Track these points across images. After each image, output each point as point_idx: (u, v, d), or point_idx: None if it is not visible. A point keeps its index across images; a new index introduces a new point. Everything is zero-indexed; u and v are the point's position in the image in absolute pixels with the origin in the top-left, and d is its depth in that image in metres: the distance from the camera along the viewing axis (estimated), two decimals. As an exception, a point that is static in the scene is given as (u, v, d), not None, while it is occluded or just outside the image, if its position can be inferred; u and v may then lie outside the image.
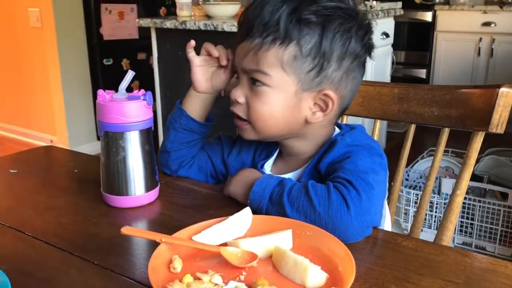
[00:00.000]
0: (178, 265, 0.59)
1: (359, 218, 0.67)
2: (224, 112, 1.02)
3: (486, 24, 3.94)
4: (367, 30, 0.78)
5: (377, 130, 1.07)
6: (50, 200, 0.85)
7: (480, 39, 3.97)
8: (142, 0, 3.67)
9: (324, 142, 0.83)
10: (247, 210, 0.68)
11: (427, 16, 4.18)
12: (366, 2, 2.87)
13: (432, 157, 2.03)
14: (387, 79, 3.15)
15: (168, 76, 2.55)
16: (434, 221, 2.09)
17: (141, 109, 0.79)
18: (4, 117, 3.98)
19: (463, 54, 4.07)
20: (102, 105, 0.78)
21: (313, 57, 0.74)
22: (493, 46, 3.93)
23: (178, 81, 2.49)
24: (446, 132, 0.95)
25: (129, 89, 0.80)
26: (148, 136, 0.81)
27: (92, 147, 3.53)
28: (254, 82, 0.77)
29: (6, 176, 0.97)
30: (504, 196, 1.98)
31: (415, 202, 2.07)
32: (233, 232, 0.65)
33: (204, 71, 0.87)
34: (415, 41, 4.29)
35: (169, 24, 2.39)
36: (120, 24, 3.53)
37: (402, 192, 2.10)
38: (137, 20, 2.55)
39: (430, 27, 4.18)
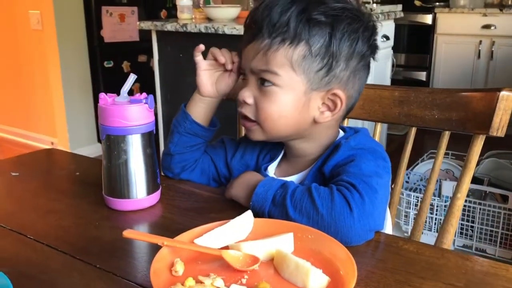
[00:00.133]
0: (180, 268, 0.59)
1: (361, 221, 0.67)
2: (226, 116, 1.03)
3: (486, 26, 3.95)
4: (373, 31, 0.79)
5: (378, 133, 1.07)
6: (52, 203, 0.85)
7: (480, 41, 3.97)
8: (143, 3, 3.68)
9: (329, 144, 0.83)
10: (249, 213, 0.68)
11: (427, 19, 4.19)
12: (367, 5, 2.88)
13: (432, 160, 2.03)
14: (387, 81, 3.15)
15: (169, 78, 2.56)
16: (435, 223, 2.09)
17: (142, 112, 0.79)
18: (4, 119, 3.98)
19: (463, 57, 4.08)
20: (104, 108, 0.78)
21: (322, 57, 0.75)
22: (493, 49, 3.93)
23: (179, 83, 2.50)
24: (446, 136, 0.96)
25: (130, 91, 0.81)
26: (150, 139, 0.81)
27: (93, 149, 3.53)
28: (263, 83, 0.78)
29: (7, 179, 0.97)
30: (505, 199, 1.98)
31: (416, 205, 2.07)
32: (235, 235, 0.66)
33: (209, 75, 0.88)
34: (415, 43, 4.30)
35: (170, 26, 2.39)
36: (121, 26, 3.54)
37: (403, 194, 2.10)
38: (138, 22, 2.55)
39: (430, 29, 4.19)
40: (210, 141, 0.95)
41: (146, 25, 2.49)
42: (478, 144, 0.90)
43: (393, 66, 3.23)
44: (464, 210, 2.01)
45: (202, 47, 0.87)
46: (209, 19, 2.53)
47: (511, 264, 0.64)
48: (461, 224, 2.04)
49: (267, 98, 0.78)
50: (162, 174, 0.95)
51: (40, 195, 0.90)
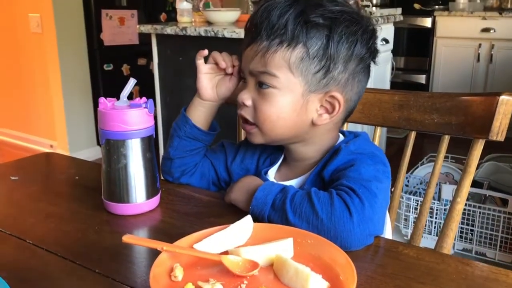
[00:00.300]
0: (179, 273, 0.59)
1: (361, 226, 0.67)
2: (226, 120, 1.03)
3: (486, 30, 3.96)
4: (372, 34, 0.80)
5: (377, 137, 1.07)
6: (51, 208, 0.85)
7: (480, 45, 3.98)
8: (142, 6, 3.68)
9: (329, 148, 0.83)
10: (248, 218, 0.68)
11: (427, 22, 4.19)
12: (366, 8, 2.88)
13: (432, 163, 2.03)
14: (387, 84, 3.15)
15: (169, 82, 2.56)
16: (434, 227, 2.09)
17: (142, 117, 0.79)
18: (4, 122, 3.98)
19: (462, 60, 4.08)
20: (103, 113, 0.78)
21: (320, 59, 0.75)
22: (492, 52, 3.94)
23: (179, 87, 2.50)
24: (446, 140, 0.96)
25: (129, 95, 0.81)
26: (150, 143, 0.81)
27: (92, 152, 3.53)
28: (261, 85, 0.78)
29: (7, 183, 0.97)
30: (504, 202, 1.98)
31: (415, 208, 2.07)
32: (234, 240, 0.66)
33: (210, 79, 0.88)
34: (414, 47, 4.30)
35: (169, 30, 2.40)
36: (120, 29, 3.54)
37: (402, 198, 2.10)
38: (137, 26, 2.56)
39: (429, 33, 4.20)
40: (210, 145, 0.95)
41: (146, 28, 2.49)
42: (478, 148, 0.90)
43: (392, 69, 3.23)
44: (463, 213, 2.01)
45: (205, 52, 0.87)
46: (208, 23, 2.53)
47: (511, 269, 0.63)
48: (461, 227, 2.04)
49: (265, 100, 0.78)
50: (162, 178, 0.95)
51: (40, 199, 0.89)
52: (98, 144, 3.25)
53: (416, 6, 4.32)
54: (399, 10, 3.28)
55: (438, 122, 0.94)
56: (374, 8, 2.96)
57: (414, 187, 2.23)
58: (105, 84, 3.51)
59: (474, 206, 1.99)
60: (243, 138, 1.05)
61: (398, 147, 3.23)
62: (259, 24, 0.77)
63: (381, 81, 3.00)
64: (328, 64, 0.75)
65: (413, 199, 2.08)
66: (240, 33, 2.15)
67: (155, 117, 2.24)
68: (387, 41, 2.98)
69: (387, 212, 0.90)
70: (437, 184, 2.03)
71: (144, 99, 0.81)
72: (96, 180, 0.86)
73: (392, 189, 1.03)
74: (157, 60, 2.55)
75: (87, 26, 3.42)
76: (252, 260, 0.61)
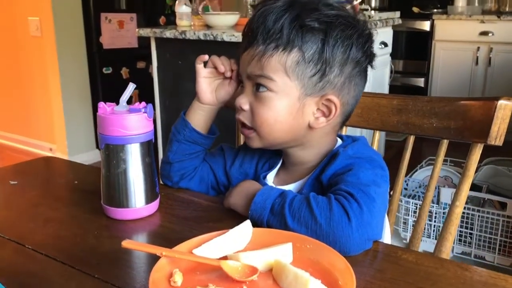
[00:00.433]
0: (178, 278, 0.59)
1: (360, 231, 0.67)
2: (225, 124, 1.03)
3: (484, 33, 3.97)
4: (368, 38, 0.80)
5: (376, 141, 1.08)
6: (50, 212, 0.85)
7: (478, 48, 3.99)
8: (141, 9, 3.69)
9: (327, 152, 0.84)
10: (247, 223, 0.68)
11: (425, 25, 4.20)
12: (365, 12, 2.89)
13: (431, 166, 2.03)
14: (386, 88, 3.16)
15: (168, 85, 2.56)
16: (433, 230, 2.09)
17: (141, 121, 0.79)
18: (3, 125, 3.98)
19: (461, 63, 4.09)
20: (103, 117, 0.78)
21: (315, 63, 0.76)
22: (490, 55, 3.94)
23: (178, 90, 2.50)
24: (445, 144, 0.96)
25: (129, 99, 0.81)
26: (149, 148, 0.82)
27: (91, 155, 3.53)
28: (258, 88, 0.78)
29: (6, 188, 0.97)
30: (503, 206, 1.99)
31: (414, 212, 2.07)
32: (234, 246, 0.66)
33: (209, 83, 0.89)
34: (413, 50, 4.31)
35: (168, 34, 2.40)
36: (119, 33, 3.55)
37: (401, 201, 2.10)
38: (137, 30, 2.56)
39: (428, 36, 4.20)
40: (209, 149, 0.95)
41: (145, 32, 2.50)
42: (477, 153, 0.90)
43: (391, 72, 3.24)
44: (462, 217, 2.01)
45: (205, 57, 0.87)
46: (208, 26, 2.54)
47: (510, 272, 0.63)
48: (460, 231, 2.04)
49: (262, 104, 0.78)
50: (161, 182, 0.95)
51: (39, 204, 0.89)
52: (97, 147, 3.25)
53: (415, 9, 4.33)
54: (397, 14, 3.29)
55: (436, 127, 0.95)
56: (372, 12, 2.97)
57: (413, 190, 2.23)
58: (104, 88, 3.51)
59: (473, 210, 2.00)
60: (242, 142, 1.06)
61: (397, 150, 3.23)
62: (256, 28, 0.77)
63: (380, 84, 3.00)
64: (323, 68, 0.76)
65: (412, 203, 2.08)
66: (239, 37, 2.16)
67: (154, 121, 2.25)
68: (385, 45, 2.99)
69: (386, 217, 0.91)
70: (436, 188, 2.03)
71: (143, 103, 0.81)
72: (95, 185, 0.86)
73: (391, 193, 1.04)
74: (156, 64, 2.55)
75: (86, 30, 3.42)
76: (251, 265, 0.61)
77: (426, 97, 0.98)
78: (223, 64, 0.86)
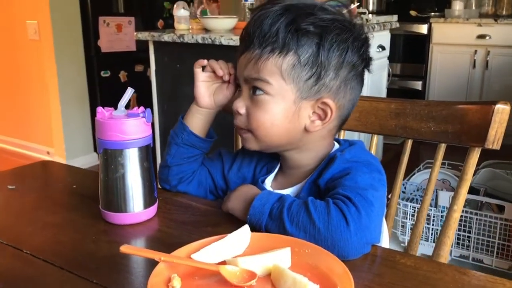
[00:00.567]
0: (177, 284, 0.59)
1: (358, 235, 0.67)
2: (223, 127, 1.03)
3: (481, 36, 3.98)
4: (364, 42, 0.80)
5: (374, 145, 1.08)
6: (48, 217, 0.85)
7: (475, 51, 4.00)
8: (140, 13, 3.69)
9: (324, 155, 0.84)
10: (246, 228, 0.68)
11: (423, 29, 4.22)
12: (363, 16, 2.90)
13: (428, 170, 2.04)
14: (383, 91, 3.17)
15: (166, 89, 2.56)
16: (431, 233, 2.09)
17: (140, 126, 0.79)
18: (1, 129, 3.97)
19: (458, 66, 4.10)
20: (101, 122, 0.78)
21: (310, 66, 0.76)
22: (488, 59, 3.96)
23: (176, 94, 2.50)
24: (442, 148, 0.96)
25: (127, 103, 0.81)
26: (147, 153, 0.82)
27: (88, 159, 3.52)
28: (254, 92, 0.79)
29: (4, 192, 0.97)
30: (501, 209, 1.99)
31: (412, 215, 2.07)
32: (232, 250, 0.66)
33: (207, 87, 0.89)
34: (411, 53, 4.32)
35: (167, 37, 2.40)
36: (117, 36, 3.55)
37: (399, 205, 2.10)
38: (135, 33, 2.56)
39: (425, 39, 4.22)
40: (207, 152, 0.96)
41: (143, 35, 2.50)
42: (474, 157, 0.91)
43: (389, 75, 3.25)
44: (460, 220, 2.02)
45: (204, 62, 0.88)
46: (206, 30, 2.54)
47: (508, 275, 0.64)
48: (458, 234, 2.04)
49: (258, 107, 0.79)
50: (159, 186, 0.95)
51: (37, 208, 0.89)
52: (95, 150, 3.24)
53: (412, 13, 4.34)
54: (395, 17, 3.31)
55: (434, 131, 0.95)
56: (370, 15, 2.98)
57: (411, 193, 2.23)
58: (102, 91, 3.51)
59: (471, 213, 2.00)
60: (240, 146, 1.06)
61: (395, 153, 3.23)
62: (252, 32, 0.78)
63: (378, 88, 3.01)
64: (319, 71, 0.76)
65: (410, 206, 2.08)
66: (237, 41, 2.16)
67: (152, 125, 2.25)
68: (383, 48, 3.00)
69: (384, 220, 0.91)
70: (434, 191, 2.03)
71: (142, 108, 0.81)
72: (93, 189, 0.86)
73: (389, 196, 1.04)
74: (155, 67, 2.55)
75: (85, 33, 3.42)
76: (249, 270, 0.61)
77: (424, 101, 0.98)
78: (221, 68, 0.86)
